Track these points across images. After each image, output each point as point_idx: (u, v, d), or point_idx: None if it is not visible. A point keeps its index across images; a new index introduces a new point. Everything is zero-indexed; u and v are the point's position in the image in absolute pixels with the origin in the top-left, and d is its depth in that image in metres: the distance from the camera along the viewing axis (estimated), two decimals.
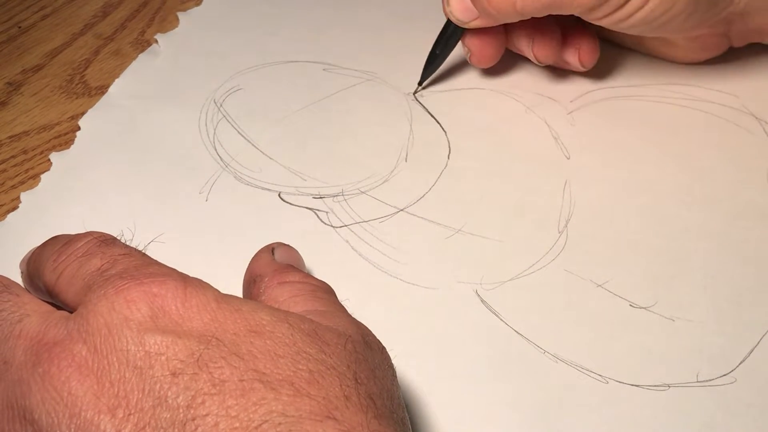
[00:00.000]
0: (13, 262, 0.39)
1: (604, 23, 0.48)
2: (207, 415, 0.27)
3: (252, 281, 0.36)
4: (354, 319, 0.33)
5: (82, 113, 0.53)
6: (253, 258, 0.38)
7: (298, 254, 0.40)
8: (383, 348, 0.33)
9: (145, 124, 0.52)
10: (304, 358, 0.29)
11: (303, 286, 0.35)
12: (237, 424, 0.26)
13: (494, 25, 0.51)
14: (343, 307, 0.35)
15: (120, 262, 0.32)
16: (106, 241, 0.34)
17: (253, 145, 0.50)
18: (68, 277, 0.33)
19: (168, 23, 0.61)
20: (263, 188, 0.48)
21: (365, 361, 0.31)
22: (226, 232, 0.45)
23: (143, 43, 0.59)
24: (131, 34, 0.60)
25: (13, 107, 0.54)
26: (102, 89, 0.55)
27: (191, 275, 0.32)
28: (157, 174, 0.48)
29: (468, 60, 0.53)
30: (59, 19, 0.61)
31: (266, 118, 0.52)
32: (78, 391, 0.28)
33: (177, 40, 0.58)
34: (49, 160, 0.49)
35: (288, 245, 0.40)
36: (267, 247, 0.39)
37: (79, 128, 0.51)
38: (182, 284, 0.30)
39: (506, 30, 0.52)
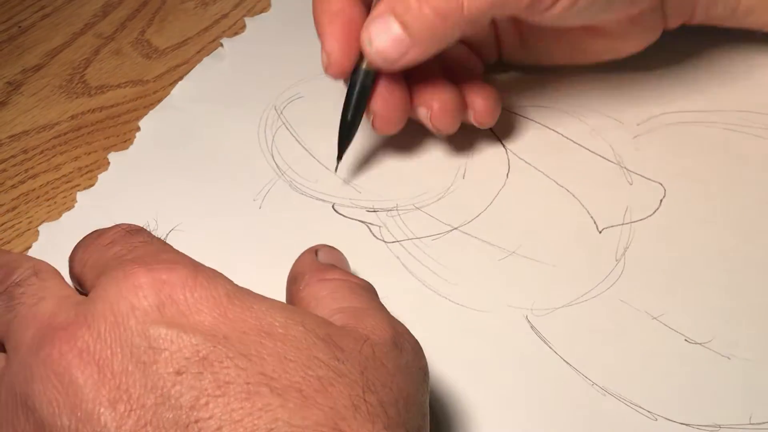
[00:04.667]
0: (66, 261, 0.39)
1: (548, 17, 0.44)
2: (210, 418, 0.26)
3: (293, 279, 0.36)
4: (390, 318, 0.33)
5: (82, 113, 0.54)
6: (297, 258, 0.38)
7: (343, 256, 0.39)
8: (417, 348, 0.32)
9: (205, 128, 0.52)
10: (315, 364, 0.28)
11: (343, 283, 0.34)
12: (241, 430, 0.26)
13: (429, 52, 0.44)
14: (381, 305, 0.34)
15: (137, 248, 0.32)
16: (132, 231, 0.33)
17: (310, 154, 0.50)
18: (91, 265, 0.32)
19: (168, 23, 0.61)
20: (317, 198, 0.47)
21: (383, 366, 0.30)
22: (276, 241, 0.45)
23: (143, 43, 0.59)
24: (131, 33, 0.60)
25: (12, 107, 0.55)
26: (102, 89, 0.55)
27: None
28: (212, 179, 0.48)
29: (372, 125, 0.47)
30: (59, 19, 0.62)
31: (325, 128, 0.51)
32: (79, 379, 0.27)
33: (243, 45, 0.58)
34: (106, 158, 0.50)
35: (332, 247, 0.39)
36: (311, 248, 0.38)
37: (139, 128, 0.52)
38: (193, 272, 0.29)
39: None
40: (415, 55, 0.43)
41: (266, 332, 0.29)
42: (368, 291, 0.35)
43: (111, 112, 0.54)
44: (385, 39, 0.43)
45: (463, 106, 0.47)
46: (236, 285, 0.30)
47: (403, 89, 0.46)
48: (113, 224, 0.34)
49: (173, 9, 0.62)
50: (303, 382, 0.27)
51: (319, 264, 0.36)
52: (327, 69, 0.46)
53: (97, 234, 0.34)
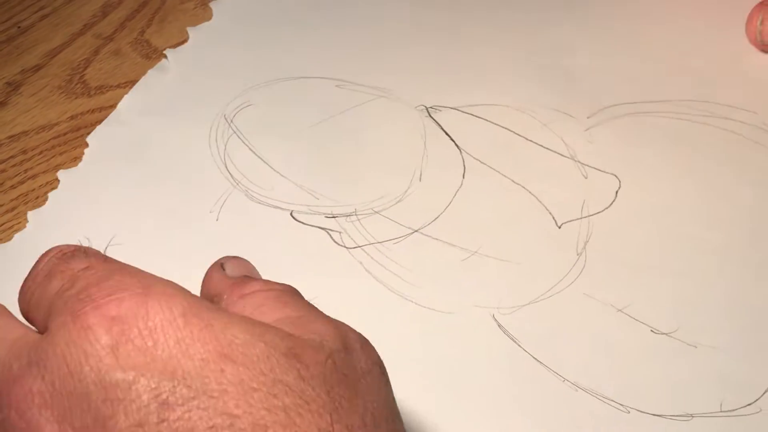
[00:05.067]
0: (17, 283, 0.38)
1: None
2: None
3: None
4: (330, 319, 0.31)
5: (82, 113, 0.53)
6: (204, 278, 0.35)
7: (251, 264, 0.37)
8: (365, 343, 0.31)
9: (155, 140, 0.51)
10: (281, 391, 0.27)
11: (266, 294, 0.32)
12: None
13: None
14: (314, 307, 0.32)
15: (79, 279, 0.30)
16: (66, 255, 0.31)
17: (264, 162, 0.49)
18: (35, 304, 0.31)
19: (167, 23, 0.61)
20: (275, 206, 0.47)
21: (345, 378, 0.28)
22: (237, 253, 0.44)
23: (142, 43, 0.59)
24: (131, 34, 0.60)
25: (12, 107, 0.54)
26: (101, 89, 0.55)
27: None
28: (166, 192, 0.48)
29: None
30: (58, 19, 0.61)
31: (278, 135, 0.51)
32: None
33: (187, 55, 0.57)
34: (57, 179, 0.49)
35: (238, 257, 0.36)
36: (215, 263, 0.35)
37: (87, 145, 0.51)
38: (143, 299, 0.28)
39: None
40: None
41: (226, 355, 0.27)
42: (294, 295, 0.33)
43: (110, 112, 0.53)
44: None
45: None
46: (192, 297, 0.29)
47: None
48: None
49: (173, 9, 0.62)
50: (269, 417, 0.26)
51: (233, 279, 0.34)
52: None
53: (32, 267, 0.32)
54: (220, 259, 0.36)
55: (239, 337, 0.28)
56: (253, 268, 0.36)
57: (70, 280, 0.30)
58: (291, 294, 0.33)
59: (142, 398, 0.26)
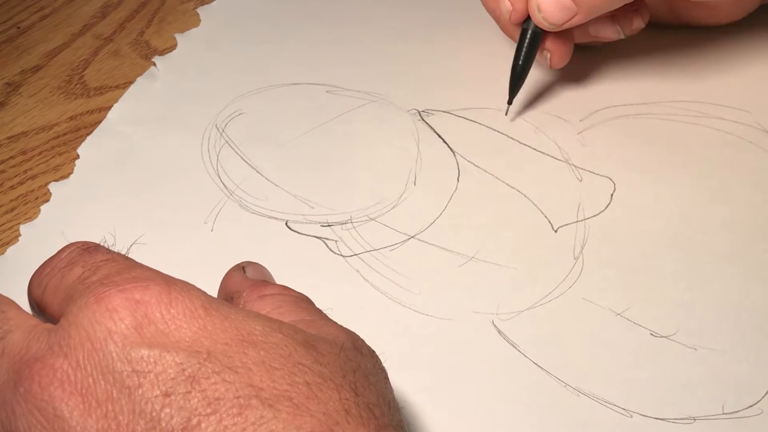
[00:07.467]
0: (12, 296, 0.37)
1: None
2: None
3: (228, 299, 0.35)
4: (341, 325, 0.33)
5: (81, 114, 0.53)
6: (224, 277, 0.37)
7: (269, 272, 0.39)
8: (373, 352, 0.32)
9: (146, 151, 0.50)
10: (301, 370, 0.28)
11: (284, 298, 0.34)
12: None
13: (592, 17, 0.49)
14: (326, 315, 0.34)
15: (101, 268, 0.30)
16: (89, 248, 0.32)
17: (257, 171, 0.49)
18: (52, 290, 0.31)
19: (167, 24, 0.61)
20: (270, 216, 0.46)
21: (359, 369, 0.30)
22: (233, 264, 0.44)
23: (142, 44, 0.59)
24: (130, 34, 0.60)
25: (11, 108, 0.55)
26: (101, 90, 0.55)
27: None
28: (160, 204, 0.47)
29: (547, 63, 0.52)
30: (58, 20, 0.61)
31: (270, 143, 0.51)
32: (63, 411, 0.26)
33: (176, 62, 0.57)
34: (48, 190, 0.48)
35: (258, 263, 0.38)
36: (237, 265, 0.38)
37: (78, 156, 0.50)
38: (166, 288, 0.29)
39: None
40: (578, 21, 0.48)
41: (247, 341, 0.28)
42: (309, 303, 0.35)
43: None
44: (554, 4, 0.48)
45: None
46: (210, 295, 0.30)
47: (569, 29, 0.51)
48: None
49: (172, 10, 0.62)
50: (292, 390, 0.27)
51: (253, 280, 0.36)
52: (510, 16, 0.50)
53: (51, 257, 0.33)
54: (241, 262, 0.38)
55: (258, 329, 0.29)
56: (271, 276, 0.38)
57: (92, 268, 0.31)
58: (306, 301, 0.35)
59: (168, 372, 0.27)
